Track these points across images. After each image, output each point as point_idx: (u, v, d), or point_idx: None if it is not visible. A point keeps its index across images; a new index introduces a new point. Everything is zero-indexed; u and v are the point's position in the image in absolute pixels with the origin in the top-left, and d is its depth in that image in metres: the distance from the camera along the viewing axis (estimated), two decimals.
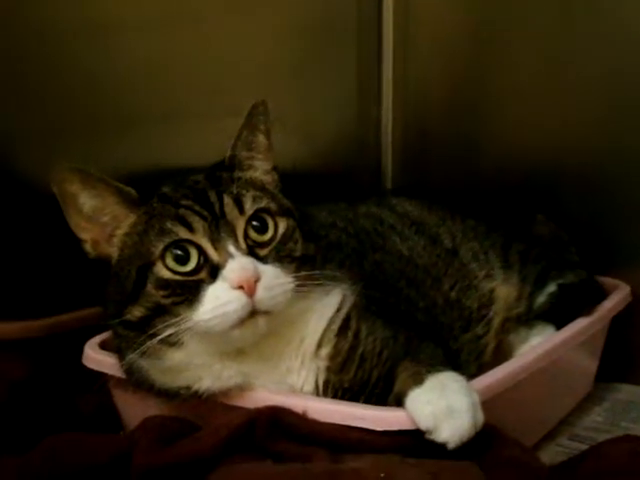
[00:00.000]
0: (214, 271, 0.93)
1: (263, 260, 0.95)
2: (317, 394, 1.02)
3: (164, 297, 0.93)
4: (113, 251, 0.98)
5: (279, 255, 0.96)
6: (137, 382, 1.03)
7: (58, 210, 0.96)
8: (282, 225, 0.99)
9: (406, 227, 1.35)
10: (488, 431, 0.93)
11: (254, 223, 0.96)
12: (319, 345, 1.01)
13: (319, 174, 1.53)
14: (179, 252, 0.93)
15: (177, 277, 0.93)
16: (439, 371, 0.95)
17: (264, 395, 1.01)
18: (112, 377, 1.11)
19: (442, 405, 0.89)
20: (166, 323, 0.93)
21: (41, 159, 1.26)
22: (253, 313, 0.92)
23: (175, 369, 0.98)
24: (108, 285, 0.98)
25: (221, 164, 1.04)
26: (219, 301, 0.91)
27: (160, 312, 0.93)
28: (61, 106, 1.32)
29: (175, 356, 0.97)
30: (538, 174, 1.58)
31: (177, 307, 0.93)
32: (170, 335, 0.93)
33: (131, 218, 0.97)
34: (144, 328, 0.94)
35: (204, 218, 0.94)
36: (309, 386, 1.01)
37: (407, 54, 1.77)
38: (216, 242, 0.93)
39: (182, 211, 0.94)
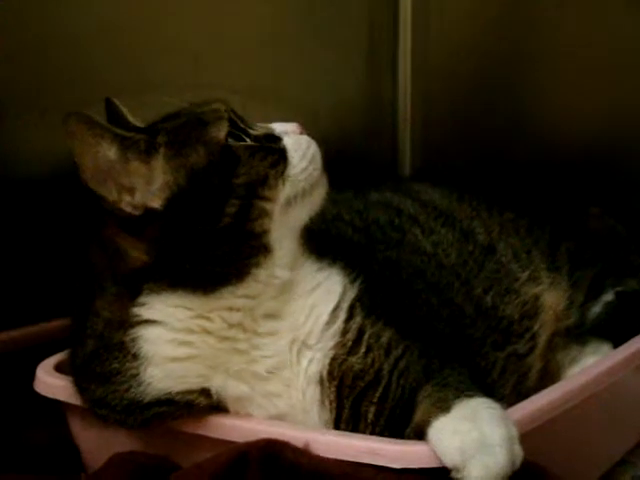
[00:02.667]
0: (270, 137, 1.09)
1: None
2: (321, 383, 1.06)
3: (260, 161, 1.05)
4: (157, 198, 1.04)
5: None
6: (112, 398, 1.06)
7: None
8: None
9: (431, 219, 1.38)
10: (529, 470, 0.94)
11: None
12: (329, 320, 1.09)
13: (324, 160, 1.56)
14: (235, 131, 1.07)
15: (251, 142, 1.07)
16: (469, 397, 0.96)
17: (258, 426, 1.03)
18: (70, 406, 1.13)
19: (472, 437, 0.90)
20: (264, 195, 1.04)
21: None
22: None
23: (249, 301, 1.05)
24: (167, 229, 1.03)
25: None
26: (302, 145, 1.08)
27: (253, 192, 1.04)
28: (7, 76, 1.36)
29: (264, 270, 1.05)
30: (591, 157, 1.60)
31: (271, 175, 1.05)
32: (262, 234, 1.04)
33: (157, 164, 1.04)
34: (242, 224, 1.03)
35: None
36: (315, 368, 1.07)
37: (428, 15, 1.80)
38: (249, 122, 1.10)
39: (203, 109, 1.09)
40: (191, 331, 1.04)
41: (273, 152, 1.06)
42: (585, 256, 1.41)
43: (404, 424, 1.01)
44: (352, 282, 1.12)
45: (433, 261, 1.31)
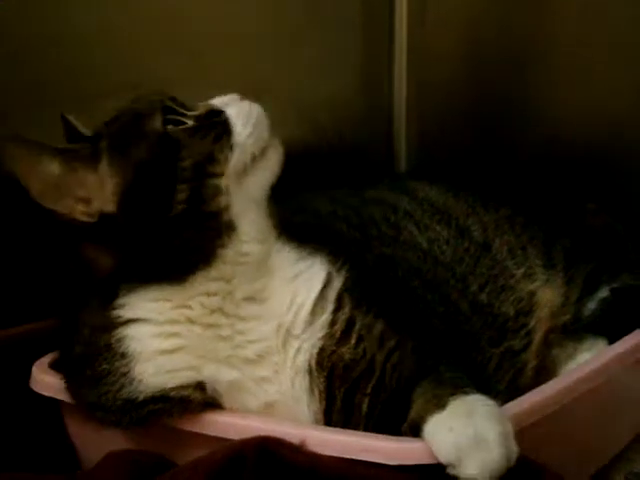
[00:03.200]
0: (213, 113, 1.08)
1: None
2: (310, 373, 1.07)
3: (201, 139, 1.05)
4: (111, 201, 1.04)
5: None
6: (106, 399, 1.06)
7: None
8: None
9: (427, 216, 1.38)
10: (527, 467, 0.95)
11: None
12: (314, 310, 1.09)
13: (320, 154, 1.57)
14: (174, 116, 1.07)
15: (193, 122, 1.07)
16: (465, 393, 0.96)
17: (253, 422, 1.03)
18: (65, 404, 1.13)
19: (468, 434, 0.90)
20: (214, 171, 1.04)
21: None
22: None
23: (221, 285, 1.06)
24: (125, 229, 1.04)
25: None
26: (245, 110, 1.08)
27: (202, 172, 1.04)
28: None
29: (230, 249, 1.05)
30: (590, 153, 1.61)
31: (216, 150, 1.05)
32: (222, 212, 1.04)
33: (102, 171, 1.05)
34: (197, 207, 1.03)
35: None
36: (302, 358, 1.07)
37: (424, 6, 1.80)
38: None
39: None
40: (175, 321, 1.05)
41: (214, 126, 1.06)
42: (581, 253, 1.42)
43: (400, 419, 1.01)
44: (338, 271, 1.12)
45: (429, 258, 1.32)
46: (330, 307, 1.10)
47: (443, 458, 0.92)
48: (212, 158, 1.05)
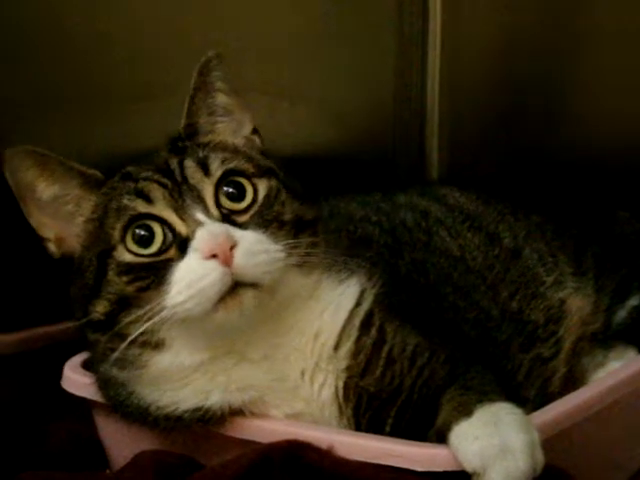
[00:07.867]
0: (183, 245, 0.97)
1: (242, 226, 0.99)
2: (337, 403, 1.05)
3: (127, 283, 0.98)
4: (77, 243, 1.04)
5: (263, 219, 1.01)
6: (126, 412, 1.07)
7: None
8: (262, 187, 1.03)
9: (457, 222, 1.37)
10: (552, 475, 0.94)
11: (228, 190, 1.01)
12: (337, 343, 1.05)
13: (350, 159, 1.57)
14: (142, 232, 0.98)
15: (141, 259, 0.98)
16: (492, 401, 0.96)
17: (281, 427, 1.03)
18: (96, 403, 1.14)
19: (493, 442, 0.90)
20: (133, 316, 0.97)
21: None
22: (236, 287, 0.96)
23: (170, 379, 1.02)
24: (72, 283, 1.04)
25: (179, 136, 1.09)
26: (192, 275, 0.95)
27: (125, 304, 0.98)
28: (23, 76, 1.38)
29: (161, 360, 1.00)
30: (620, 161, 1.60)
31: (144, 295, 0.97)
32: (144, 333, 0.97)
33: (92, 201, 1.04)
34: (112, 327, 0.99)
35: (163, 186, 1.00)
36: (328, 391, 1.05)
37: (458, 10, 1.80)
38: (181, 211, 0.98)
39: (140, 184, 1.00)
40: (170, 371, 1.02)
41: (149, 275, 0.97)
42: (611, 261, 1.41)
43: (427, 425, 1.00)
44: (372, 287, 1.09)
45: (460, 264, 1.31)
46: (354, 334, 1.06)
47: (468, 466, 0.91)
48: (138, 303, 0.97)
